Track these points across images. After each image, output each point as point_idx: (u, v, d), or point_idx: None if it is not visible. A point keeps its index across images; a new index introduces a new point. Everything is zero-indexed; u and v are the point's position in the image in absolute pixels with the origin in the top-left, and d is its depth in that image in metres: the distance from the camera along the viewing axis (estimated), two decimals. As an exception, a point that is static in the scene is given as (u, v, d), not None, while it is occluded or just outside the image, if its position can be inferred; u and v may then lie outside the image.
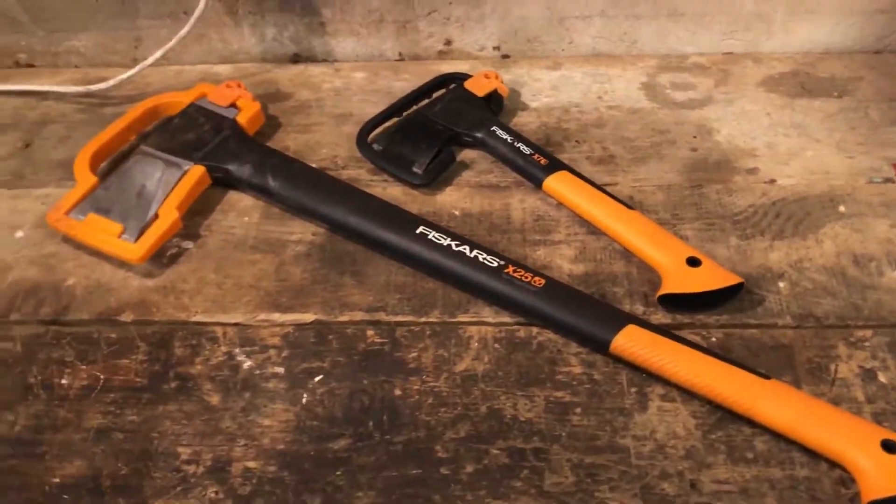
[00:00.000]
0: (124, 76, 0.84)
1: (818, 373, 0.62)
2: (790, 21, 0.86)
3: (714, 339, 0.64)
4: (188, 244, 0.73)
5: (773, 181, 0.76)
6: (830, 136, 0.80)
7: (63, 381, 0.64)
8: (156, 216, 0.71)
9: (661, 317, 0.66)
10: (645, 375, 0.62)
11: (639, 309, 0.66)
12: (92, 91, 0.86)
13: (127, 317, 0.68)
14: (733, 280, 0.65)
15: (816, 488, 0.56)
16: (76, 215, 0.72)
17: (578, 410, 0.61)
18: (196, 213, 0.75)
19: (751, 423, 0.59)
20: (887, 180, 0.75)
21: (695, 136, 0.81)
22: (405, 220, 0.70)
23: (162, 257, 0.72)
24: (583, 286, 0.68)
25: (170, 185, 0.73)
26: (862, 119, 0.82)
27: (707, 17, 0.86)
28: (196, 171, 0.74)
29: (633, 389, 0.62)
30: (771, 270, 0.69)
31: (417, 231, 0.68)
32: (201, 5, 0.80)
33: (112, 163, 0.80)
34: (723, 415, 0.60)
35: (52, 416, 0.62)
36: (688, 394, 0.61)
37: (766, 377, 0.59)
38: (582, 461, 0.58)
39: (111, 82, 0.85)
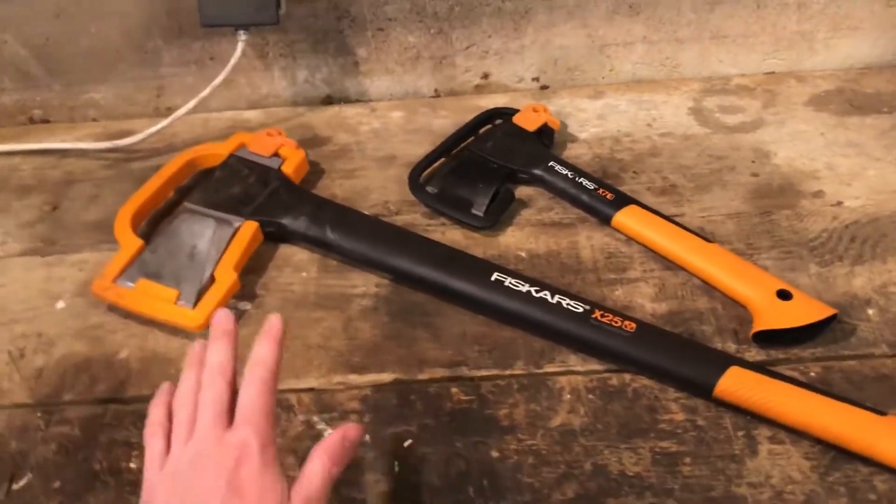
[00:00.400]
0: (154, 129, 0.80)
1: (925, 403, 0.60)
2: (832, 38, 0.86)
3: (813, 374, 0.62)
4: (246, 305, 0.69)
5: (840, 203, 0.74)
6: (888, 153, 0.79)
7: (132, 465, 0.59)
8: (212, 278, 0.67)
9: (754, 354, 0.63)
10: (749, 417, 0.60)
11: (731, 347, 0.64)
12: (119, 146, 0.81)
13: (191, 389, 0.64)
14: (828, 312, 0.63)
15: (946, 528, 0.54)
16: (125, 282, 0.67)
17: (688, 460, 0.58)
18: (249, 271, 0.71)
19: (864, 460, 0.57)
20: (954, 196, 0.74)
21: (753, 161, 0.79)
22: (478, 267, 0.67)
23: (219, 321, 0.68)
24: (668, 326, 0.65)
25: (222, 243, 0.69)
26: (916, 134, 0.81)
27: (750, 38, 0.85)
28: (249, 228, 0.70)
29: (741, 433, 0.59)
30: (857, 297, 0.67)
31: (493, 278, 0.65)
32: (238, 52, 0.77)
33: (150, 223, 0.75)
34: (836, 454, 0.57)
35: (125, 505, 0.58)
36: (796, 434, 0.59)
37: (883, 413, 0.57)
38: (701, 515, 0.55)
39: (140, 136, 0.80)
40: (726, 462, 0.58)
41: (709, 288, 0.68)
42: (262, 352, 0.51)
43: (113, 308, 0.69)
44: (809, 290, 0.67)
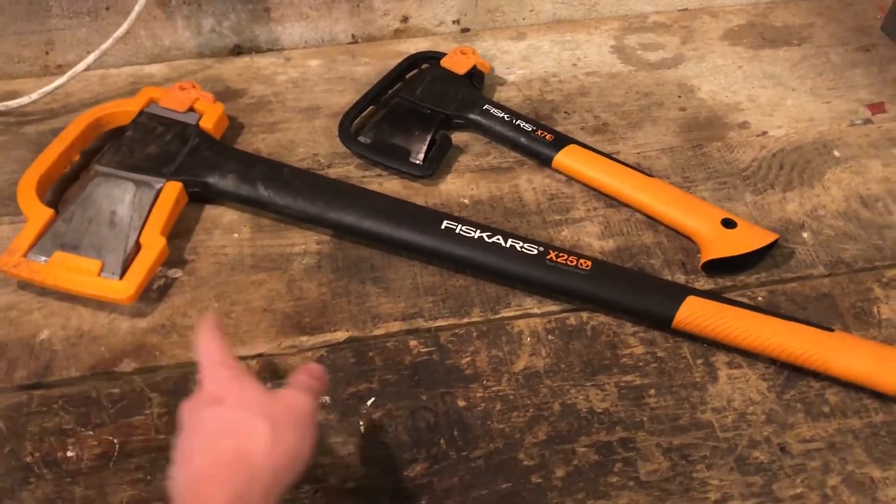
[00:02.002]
0: (48, 88, 0.72)
1: (863, 317, 0.63)
2: (742, -27, 0.87)
3: (760, 298, 0.64)
4: (176, 272, 0.64)
5: (765, 133, 0.76)
6: (803, 83, 0.81)
7: (70, 454, 0.54)
8: (138, 246, 0.62)
9: (703, 283, 0.65)
10: (706, 345, 0.61)
11: (680, 278, 0.65)
12: (9, 108, 0.73)
13: (127, 366, 0.58)
14: (772, 237, 0.64)
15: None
16: (37, 256, 0.61)
17: (653, 392, 0.58)
18: (175, 235, 0.66)
19: (816, 376, 0.59)
20: (867, 121, 0.78)
21: (679, 96, 0.80)
22: (427, 217, 0.64)
23: (149, 292, 0.62)
24: (617, 262, 0.66)
25: (145, 207, 0.63)
26: (826, 64, 0.84)
27: (666, -26, 0.85)
28: (173, 189, 0.65)
29: (700, 361, 0.60)
30: (791, 222, 0.69)
31: (443, 226, 0.63)
32: (141, 0, 0.70)
33: (56, 191, 0.68)
34: (789, 373, 0.59)
35: (68, 497, 0.52)
36: (751, 357, 0.60)
37: (830, 330, 0.59)
38: (671, 444, 0.56)
39: (32, 97, 0.72)
40: (689, 390, 0.59)
41: (652, 222, 0.69)
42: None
43: (25, 285, 0.62)
44: (747, 218, 0.68)
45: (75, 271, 0.60)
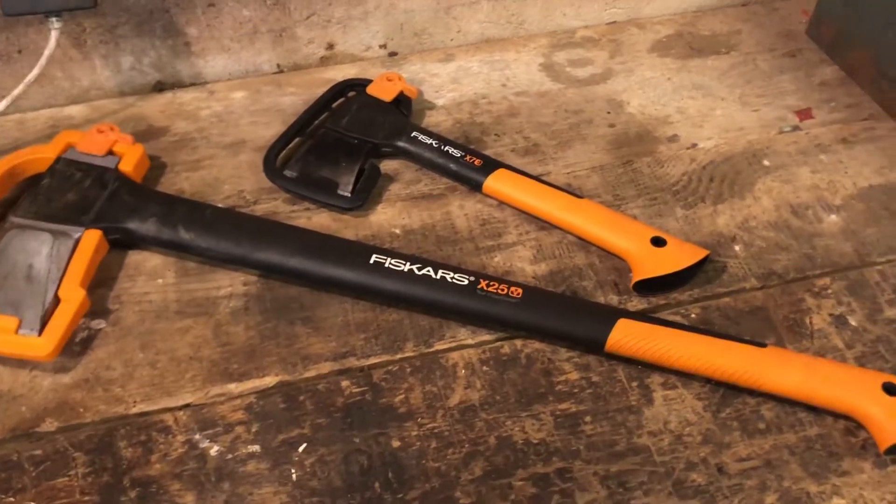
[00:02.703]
0: (-40, 136, 0.70)
1: (797, 328, 0.63)
2: (667, -17, 0.87)
3: (693, 316, 0.63)
4: (99, 323, 0.62)
5: (694, 145, 0.76)
6: (731, 92, 0.82)
7: (-11, 524, 0.52)
8: (56, 299, 0.60)
9: (636, 303, 0.64)
10: (640, 367, 0.60)
11: (613, 299, 0.64)
12: (-80, 159, 0.71)
13: (49, 425, 0.56)
14: (702, 254, 0.64)
15: (830, 443, 0.57)
16: (-50, 316, 0.59)
17: (588, 419, 0.58)
18: (97, 284, 0.64)
19: (752, 392, 0.59)
20: (795, 128, 0.78)
21: (608, 112, 0.79)
22: (355, 251, 0.63)
23: (71, 345, 0.61)
24: (550, 286, 0.65)
25: (63, 258, 0.61)
26: (753, 71, 0.84)
27: (591, -12, 0.85)
28: (92, 237, 0.63)
29: (635, 384, 0.60)
30: (723, 235, 0.69)
31: (372, 261, 0.62)
32: (52, 42, 0.68)
33: (-29, 243, 0.66)
34: (725, 390, 0.59)
35: (-12, 570, 0.51)
36: (686, 376, 0.60)
37: (763, 345, 0.59)
38: (608, 471, 0.55)
39: (-56, 146, 0.70)
40: (625, 414, 0.58)
41: (584, 243, 0.68)
42: None
43: (-62, 347, 0.60)
44: (678, 234, 0.68)
45: (-10, 330, 0.58)
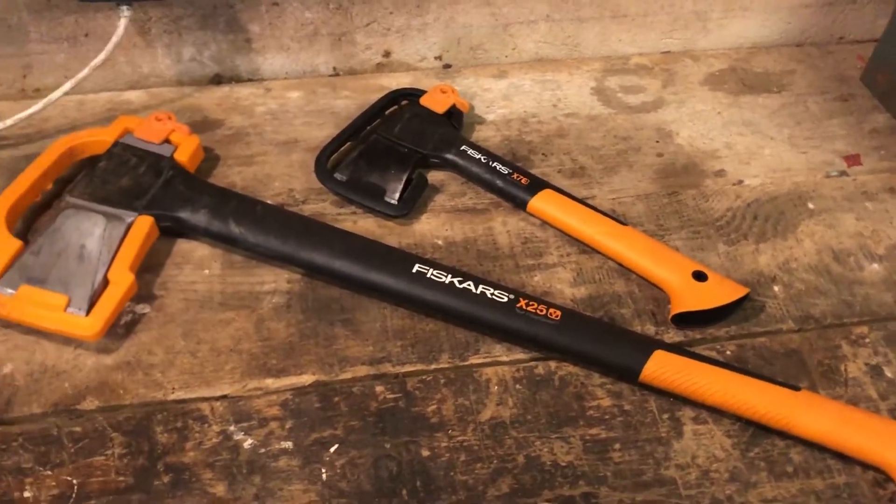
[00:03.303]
0: (24, 114, 0.72)
1: (831, 375, 0.63)
2: (725, 18, 0.88)
3: (729, 353, 0.64)
4: (144, 308, 0.64)
5: (740, 182, 0.76)
6: (780, 132, 0.82)
7: (26, 494, 0.53)
8: (105, 281, 0.61)
9: (672, 335, 0.65)
10: (672, 399, 0.61)
11: (650, 329, 0.65)
12: (-17, 133, 0.73)
13: (90, 404, 0.58)
14: (742, 292, 0.64)
15: (857, 493, 0.57)
16: (3, 289, 0.60)
17: (617, 446, 0.58)
18: (145, 269, 0.65)
19: (781, 434, 0.59)
20: (842, 174, 0.78)
21: (657, 141, 0.80)
22: (398, 259, 0.64)
23: (116, 327, 0.62)
24: (588, 310, 0.66)
25: (115, 242, 0.63)
26: (804, 113, 0.84)
27: (649, 17, 0.85)
28: (144, 223, 0.64)
29: (665, 416, 0.60)
30: (763, 275, 0.69)
31: (414, 270, 0.63)
32: (120, 29, 0.70)
33: (26, 220, 0.68)
34: (755, 430, 0.59)
35: (22, 540, 0.52)
36: (717, 412, 0.60)
37: (797, 388, 0.59)
38: (634, 500, 0.55)
39: (8, 122, 0.72)
40: (654, 445, 0.58)
41: (624, 270, 0.69)
42: None
43: (-12, 318, 0.62)
44: (719, 269, 0.69)
45: (41, 306, 0.59)
